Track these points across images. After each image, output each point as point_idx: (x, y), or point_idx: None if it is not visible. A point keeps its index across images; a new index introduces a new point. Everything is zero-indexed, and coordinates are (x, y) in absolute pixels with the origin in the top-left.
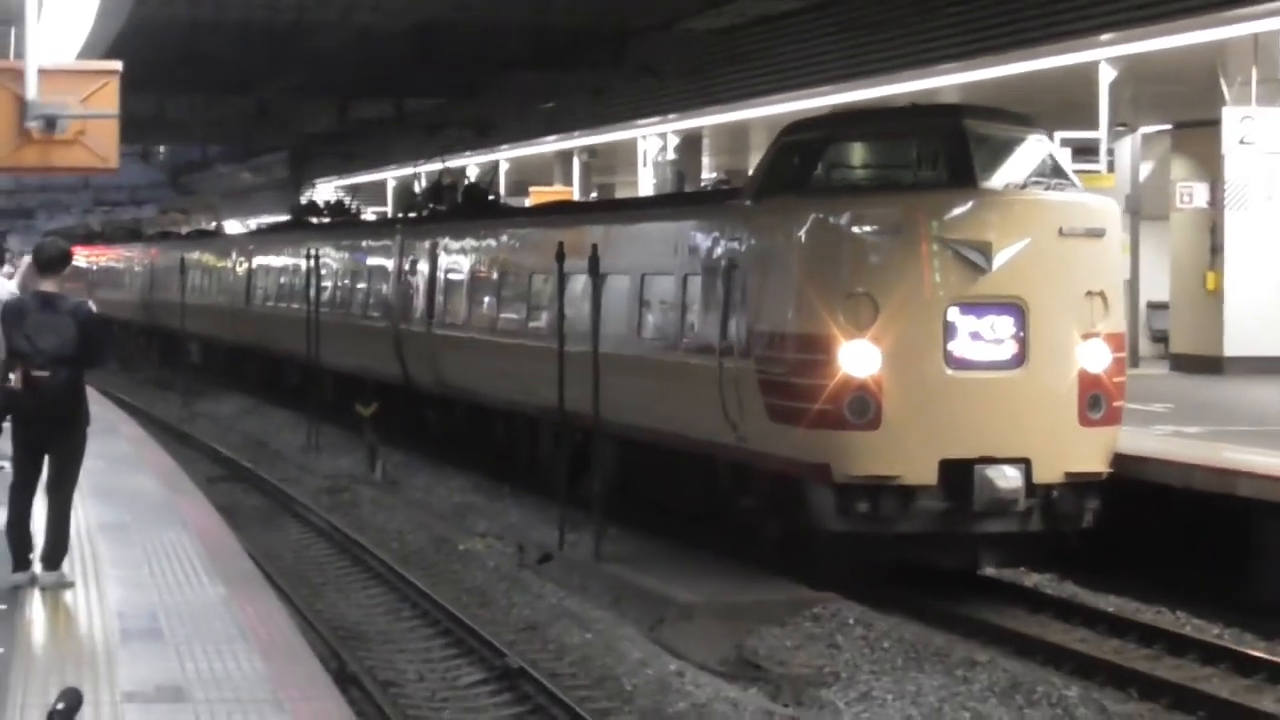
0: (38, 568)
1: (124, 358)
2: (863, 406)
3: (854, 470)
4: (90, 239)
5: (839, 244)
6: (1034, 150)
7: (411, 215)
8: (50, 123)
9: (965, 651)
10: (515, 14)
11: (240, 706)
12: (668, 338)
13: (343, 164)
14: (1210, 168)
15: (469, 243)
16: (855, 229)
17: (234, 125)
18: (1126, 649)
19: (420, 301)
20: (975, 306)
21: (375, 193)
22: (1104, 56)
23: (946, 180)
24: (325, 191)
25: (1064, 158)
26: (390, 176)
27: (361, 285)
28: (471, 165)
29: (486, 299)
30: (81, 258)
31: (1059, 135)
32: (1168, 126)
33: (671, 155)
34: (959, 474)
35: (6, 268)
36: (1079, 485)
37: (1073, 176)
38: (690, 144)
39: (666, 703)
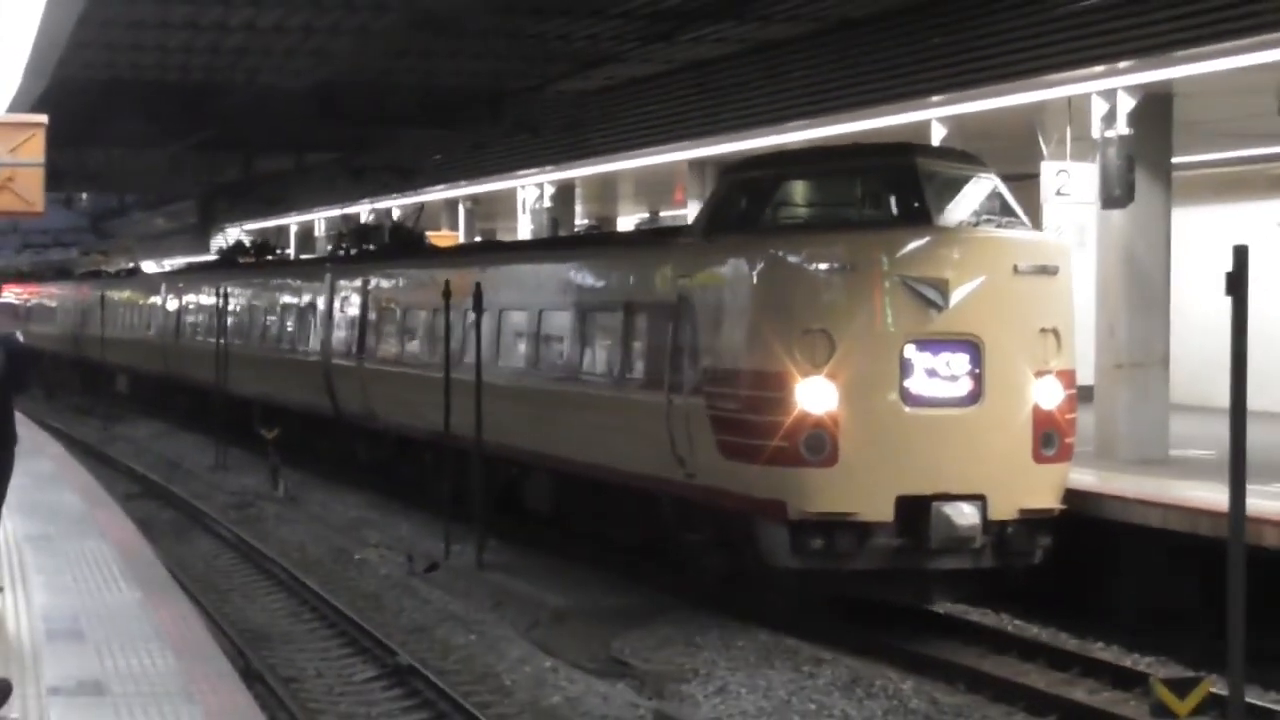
0: None
1: (51, 386)
2: (819, 443)
3: (809, 507)
4: (22, 278)
5: (795, 281)
6: (982, 188)
7: (340, 254)
8: None
9: (812, 650)
10: (405, 76)
11: (155, 699)
12: (610, 374)
13: (250, 210)
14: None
15: (400, 281)
16: (812, 266)
17: (149, 175)
18: (956, 647)
19: (350, 337)
20: (931, 343)
21: (278, 236)
22: (935, 116)
23: (900, 218)
24: (232, 236)
25: (1011, 196)
26: (293, 222)
27: (292, 322)
28: (390, 208)
29: (416, 335)
30: (12, 295)
31: None
32: None
33: (548, 203)
34: (915, 511)
35: None
36: (1032, 521)
37: (1021, 215)
38: (564, 193)
39: (542, 696)
